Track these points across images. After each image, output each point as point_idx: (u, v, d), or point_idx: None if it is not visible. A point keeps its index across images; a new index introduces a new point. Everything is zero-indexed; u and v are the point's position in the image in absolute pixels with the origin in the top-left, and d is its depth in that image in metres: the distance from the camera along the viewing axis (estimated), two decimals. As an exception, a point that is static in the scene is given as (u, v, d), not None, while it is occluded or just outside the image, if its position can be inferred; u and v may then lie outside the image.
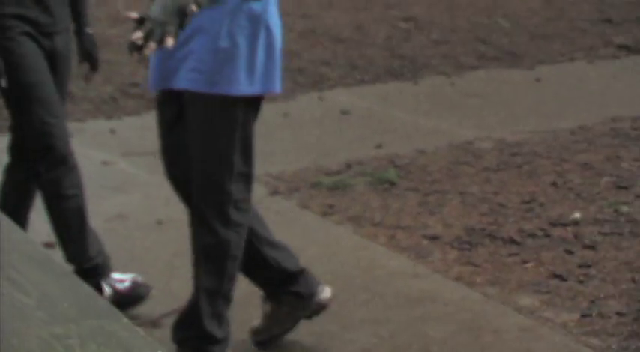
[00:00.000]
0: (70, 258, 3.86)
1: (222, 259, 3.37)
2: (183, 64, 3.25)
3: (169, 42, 2.82)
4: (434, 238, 4.59)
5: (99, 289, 3.79)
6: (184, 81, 3.26)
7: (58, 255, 3.95)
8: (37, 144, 3.75)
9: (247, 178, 3.36)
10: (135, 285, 3.95)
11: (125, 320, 1.99)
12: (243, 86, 3.26)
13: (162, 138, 3.47)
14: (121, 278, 3.95)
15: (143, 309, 3.92)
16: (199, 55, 3.23)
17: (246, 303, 3.92)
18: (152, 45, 2.81)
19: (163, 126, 3.45)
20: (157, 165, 3.80)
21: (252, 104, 3.32)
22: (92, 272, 3.85)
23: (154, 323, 3.77)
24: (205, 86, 3.24)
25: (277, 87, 3.34)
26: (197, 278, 3.43)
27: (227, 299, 3.44)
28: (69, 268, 2.60)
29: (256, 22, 3.23)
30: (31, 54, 3.70)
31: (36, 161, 3.78)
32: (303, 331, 3.75)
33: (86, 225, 3.88)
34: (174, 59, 3.25)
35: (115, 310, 2.04)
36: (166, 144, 3.47)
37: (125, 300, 3.86)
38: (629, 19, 8.67)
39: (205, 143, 3.31)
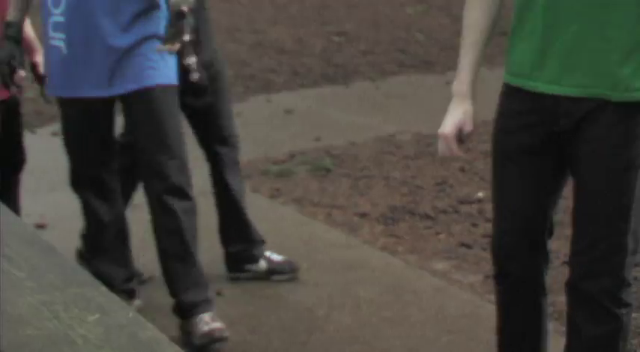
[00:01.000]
0: None
1: (195, 223, 3.33)
2: (135, 68, 3.15)
3: (186, 36, 2.95)
4: (363, 215, 4.59)
5: None
6: (144, 80, 3.16)
7: (46, 234, 3.89)
8: None
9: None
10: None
11: (103, 288, 1.97)
12: (176, 77, 3.25)
13: (94, 140, 3.34)
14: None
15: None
16: (149, 55, 3.16)
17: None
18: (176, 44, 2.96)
19: (98, 127, 3.33)
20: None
21: None
22: None
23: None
24: (161, 79, 3.18)
25: None
26: (184, 250, 3.32)
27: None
28: (54, 245, 2.54)
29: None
30: None
31: None
32: (257, 293, 3.73)
33: None
34: (122, 67, 3.15)
35: (94, 280, 2.02)
36: (95, 144, 3.36)
37: None
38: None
39: (160, 129, 3.20)
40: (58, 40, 3.19)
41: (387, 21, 9.61)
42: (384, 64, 7.88)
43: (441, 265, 4.02)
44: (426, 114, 6.31)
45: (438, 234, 4.36)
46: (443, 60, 7.86)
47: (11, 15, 3.29)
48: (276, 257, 3.89)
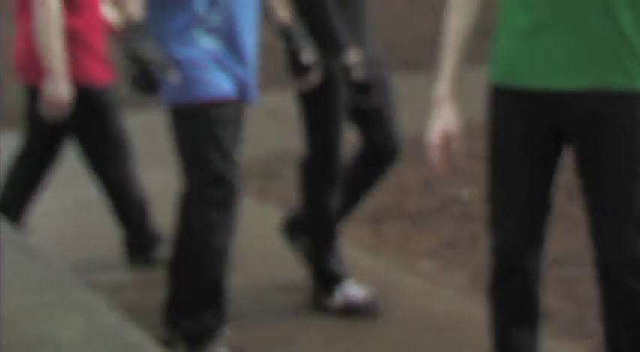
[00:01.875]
0: None
1: None
2: (252, 79, 3.20)
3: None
4: (348, 216, 4.58)
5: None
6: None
7: (31, 236, 3.87)
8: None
9: None
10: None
11: (87, 290, 1.96)
12: None
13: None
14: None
15: (106, 277, 3.85)
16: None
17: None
18: None
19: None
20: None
21: None
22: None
23: (113, 289, 3.70)
24: None
25: None
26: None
27: None
28: (40, 248, 2.51)
29: None
30: None
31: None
32: (242, 295, 3.72)
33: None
34: (249, 77, 3.18)
35: (79, 282, 2.01)
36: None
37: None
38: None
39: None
40: (213, 43, 3.09)
41: (371, 20, 9.60)
42: (369, 64, 7.87)
43: (426, 265, 4.02)
44: (411, 113, 6.31)
45: (423, 234, 4.36)
46: (428, 60, 7.85)
47: (140, 14, 3.02)
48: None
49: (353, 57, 3.28)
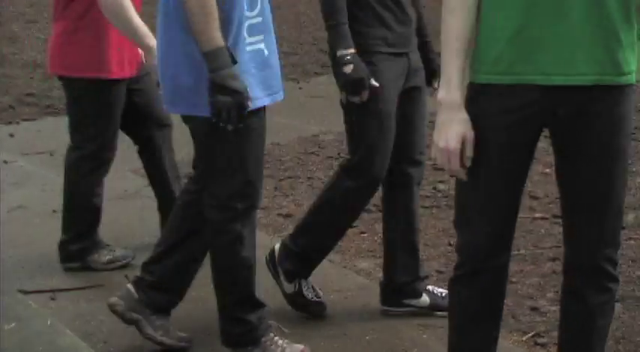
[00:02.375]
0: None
1: None
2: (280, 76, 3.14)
3: None
4: (287, 216, 4.60)
5: None
6: None
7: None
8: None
9: None
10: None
11: (19, 295, 1.94)
12: None
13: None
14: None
15: (42, 285, 3.81)
16: None
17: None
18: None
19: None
20: (52, 162, 3.69)
21: None
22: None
23: (50, 297, 3.66)
24: None
25: None
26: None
27: None
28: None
29: None
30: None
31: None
32: (186, 298, 3.71)
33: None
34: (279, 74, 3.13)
35: (11, 288, 1.98)
36: None
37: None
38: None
39: None
40: (257, 43, 2.94)
41: (309, 22, 9.63)
42: (306, 64, 7.89)
43: (365, 264, 4.05)
44: (339, 114, 6.34)
45: (361, 233, 4.39)
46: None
47: (222, 38, 2.77)
48: (439, 290, 3.56)
49: (347, 53, 3.16)
